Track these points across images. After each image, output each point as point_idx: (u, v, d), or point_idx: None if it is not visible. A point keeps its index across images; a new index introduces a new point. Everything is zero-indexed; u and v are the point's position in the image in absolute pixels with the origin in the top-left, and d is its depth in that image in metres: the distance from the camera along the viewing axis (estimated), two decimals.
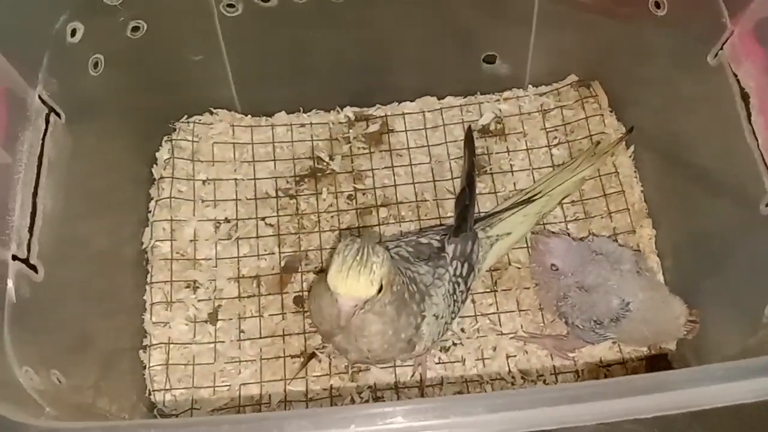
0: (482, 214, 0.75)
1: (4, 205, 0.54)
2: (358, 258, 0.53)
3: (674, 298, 0.69)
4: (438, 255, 0.66)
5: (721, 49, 0.62)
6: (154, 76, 0.76)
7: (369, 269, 0.53)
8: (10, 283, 0.52)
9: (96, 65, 0.67)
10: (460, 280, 0.66)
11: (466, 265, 0.67)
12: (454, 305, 0.66)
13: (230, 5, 0.73)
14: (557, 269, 0.68)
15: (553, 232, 0.77)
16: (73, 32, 0.64)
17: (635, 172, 0.81)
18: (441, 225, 0.75)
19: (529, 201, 0.74)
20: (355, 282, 0.53)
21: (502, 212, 0.73)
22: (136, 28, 0.71)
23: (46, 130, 0.60)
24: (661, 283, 0.74)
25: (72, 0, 0.63)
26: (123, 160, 0.77)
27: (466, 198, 0.71)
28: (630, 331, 0.68)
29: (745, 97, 0.59)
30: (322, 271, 0.58)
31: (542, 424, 0.41)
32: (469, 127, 0.82)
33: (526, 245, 0.78)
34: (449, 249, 0.67)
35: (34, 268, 0.55)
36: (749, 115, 0.59)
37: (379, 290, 0.54)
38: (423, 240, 0.68)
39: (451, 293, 0.65)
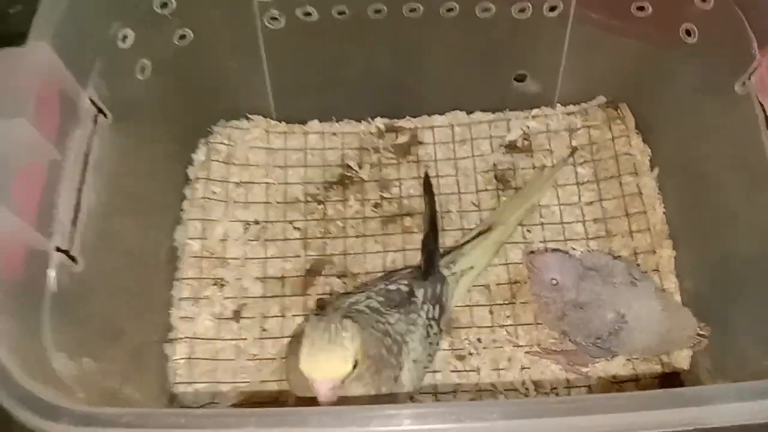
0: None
1: (51, 199, 0.57)
2: (326, 338, 0.52)
3: (682, 309, 0.70)
4: (408, 300, 0.66)
5: (749, 78, 0.63)
6: (196, 82, 0.79)
7: (340, 347, 0.52)
8: (52, 273, 0.55)
9: (143, 70, 0.70)
10: (433, 322, 0.66)
11: (437, 307, 0.67)
12: (429, 347, 0.66)
13: (274, 18, 0.76)
14: (557, 283, 0.68)
15: (545, 250, 0.78)
16: (124, 38, 0.67)
17: (659, 193, 0.82)
18: (407, 268, 0.75)
19: (486, 232, 0.76)
20: (327, 364, 0.51)
21: (463, 246, 0.75)
22: (183, 36, 0.74)
23: (93, 130, 0.63)
24: (665, 293, 0.74)
25: (126, 8, 0.66)
26: (161, 161, 0.80)
27: (430, 242, 0.71)
28: (633, 343, 0.68)
29: None
30: (295, 338, 0.58)
31: None
32: (426, 173, 0.82)
33: None
34: (419, 293, 0.67)
35: (74, 259, 0.58)
36: None
37: (355, 365, 0.52)
38: (392, 287, 0.67)
39: (426, 336, 0.65)
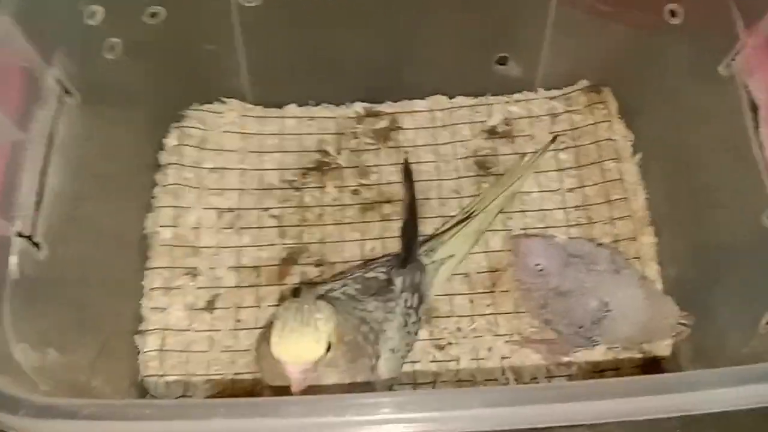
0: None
1: (12, 182, 0.54)
2: (299, 319, 0.50)
3: (665, 297, 0.69)
4: (386, 288, 0.65)
5: (733, 59, 0.62)
6: (168, 63, 0.77)
7: (313, 328, 0.50)
8: (13, 260, 0.53)
9: (112, 48, 0.68)
10: (411, 311, 0.65)
11: (416, 295, 0.66)
12: (408, 336, 0.64)
13: None
14: (542, 269, 0.67)
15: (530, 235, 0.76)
16: (93, 15, 0.64)
17: (641, 179, 0.81)
18: (385, 256, 0.74)
19: (466, 220, 0.74)
20: (299, 346, 0.50)
21: (442, 235, 0.74)
22: (154, 14, 0.71)
23: (59, 110, 0.60)
24: (648, 281, 0.74)
25: None
26: (131, 145, 0.77)
27: (410, 229, 0.70)
28: (615, 332, 0.67)
29: (754, 109, 0.59)
30: (268, 327, 0.55)
31: (525, 422, 0.41)
32: (406, 159, 0.81)
33: None
34: (398, 281, 0.65)
35: (37, 245, 0.56)
36: (757, 127, 0.58)
37: (328, 348, 0.51)
38: (369, 275, 0.66)
39: (404, 325, 0.63)
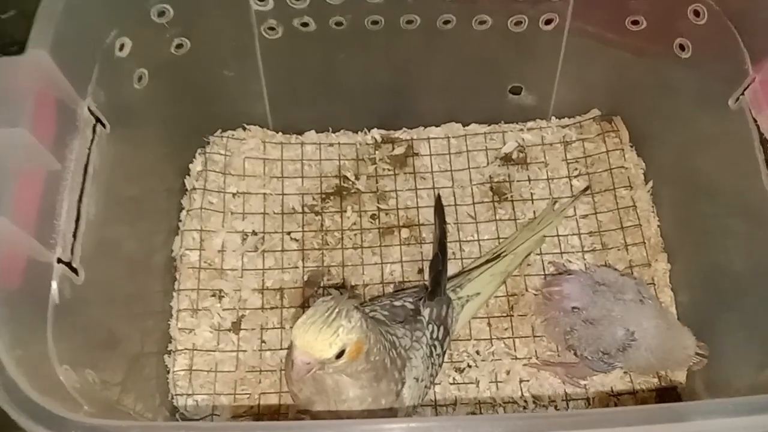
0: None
1: (52, 210, 0.56)
2: (325, 316, 0.51)
3: (683, 328, 0.71)
4: (414, 318, 0.66)
5: (743, 94, 0.64)
6: (192, 91, 0.80)
7: (332, 331, 0.51)
8: (54, 285, 0.55)
9: (140, 79, 0.70)
10: (436, 343, 0.66)
11: (441, 328, 0.67)
12: (432, 368, 0.65)
13: (271, 28, 0.77)
14: (579, 309, 0.69)
15: (562, 271, 0.78)
16: (122, 47, 0.67)
17: (653, 206, 0.83)
18: (413, 287, 0.76)
19: (494, 260, 0.76)
20: (313, 339, 0.50)
21: (470, 272, 0.75)
22: (179, 45, 0.74)
23: (92, 139, 0.62)
24: (668, 312, 0.75)
25: (122, 17, 0.66)
26: (158, 170, 0.80)
27: (439, 263, 0.71)
28: (637, 359, 0.69)
29: (764, 142, 0.61)
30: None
31: None
32: (438, 195, 0.83)
33: (543, 273, 0.80)
34: (425, 312, 0.67)
35: (75, 271, 0.58)
36: (767, 160, 0.60)
37: (339, 355, 0.52)
38: (397, 303, 0.67)
39: (429, 356, 0.65)
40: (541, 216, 0.82)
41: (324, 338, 0.51)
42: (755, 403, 0.45)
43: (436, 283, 0.70)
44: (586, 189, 0.84)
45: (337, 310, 0.52)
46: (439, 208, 0.79)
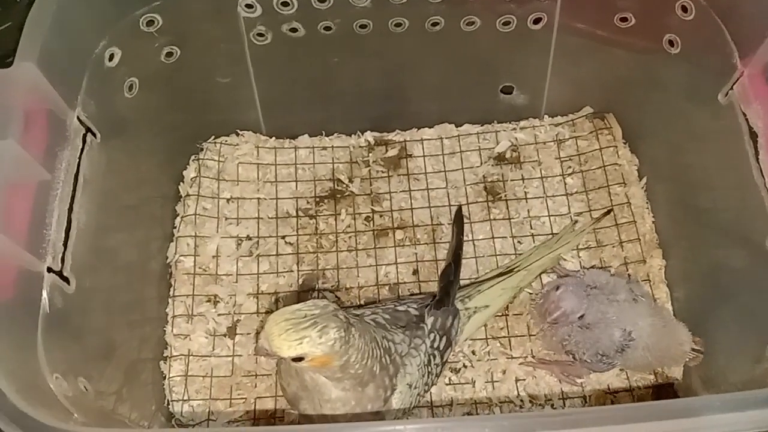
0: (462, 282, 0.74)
1: (42, 219, 0.57)
2: (300, 320, 0.51)
3: (679, 324, 0.70)
4: (416, 324, 0.66)
5: (732, 88, 0.64)
6: (184, 99, 0.80)
7: (298, 337, 0.51)
8: (44, 295, 0.55)
9: (131, 88, 0.71)
10: (436, 352, 0.66)
11: (444, 338, 0.67)
12: (428, 377, 0.65)
13: (260, 34, 0.77)
14: (579, 318, 0.69)
15: (557, 278, 0.77)
16: (111, 57, 0.67)
17: (647, 203, 0.83)
18: (419, 294, 0.76)
19: (508, 274, 0.75)
20: (277, 334, 0.51)
21: (481, 284, 0.75)
22: (170, 54, 0.74)
23: (82, 149, 0.62)
24: (662, 309, 0.75)
25: (111, 27, 0.67)
26: (152, 178, 0.80)
27: (451, 273, 0.71)
28: (635, 359, 0.69)
29: (753, 136, 0.61)
30: None
31: None
32: (459, 207, 0.83)
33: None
34: (429, 321, 0.67)
35: (66, 280, 0.58)
36: (757, 154, 0.60)
37: (297, 359, 0.52)
38: (400, 308, 0.67)
39: (426, 364, 0.64)
40: (559, 235, 0.81)
41: (286, 338, 0.51)
42: (752, 398, 0.45)
43: (445, 293, 0.69)
44: (608, 212, 0.82)
45: (313, 321, 0.52)
46: (458, 220, 0.79)
